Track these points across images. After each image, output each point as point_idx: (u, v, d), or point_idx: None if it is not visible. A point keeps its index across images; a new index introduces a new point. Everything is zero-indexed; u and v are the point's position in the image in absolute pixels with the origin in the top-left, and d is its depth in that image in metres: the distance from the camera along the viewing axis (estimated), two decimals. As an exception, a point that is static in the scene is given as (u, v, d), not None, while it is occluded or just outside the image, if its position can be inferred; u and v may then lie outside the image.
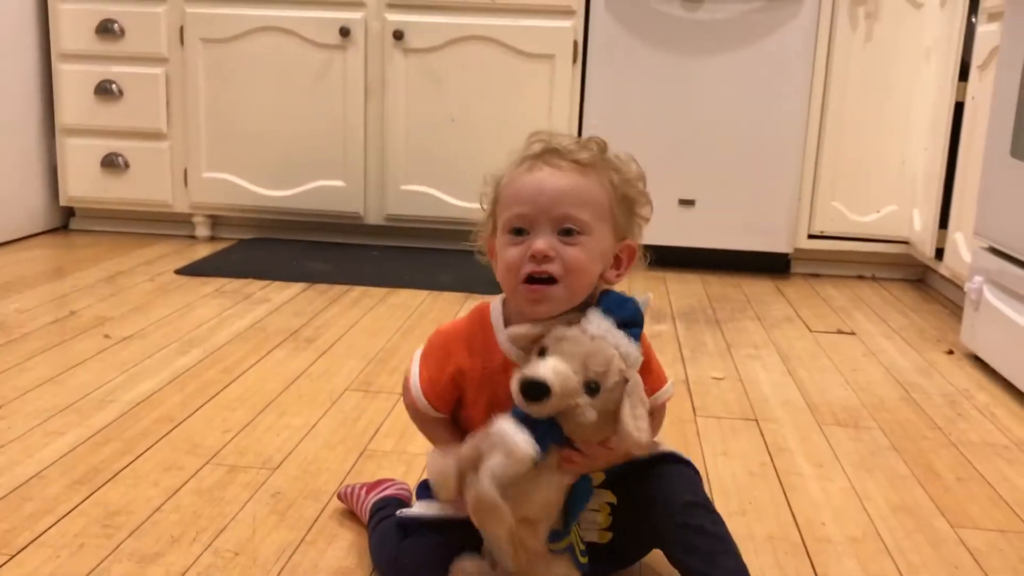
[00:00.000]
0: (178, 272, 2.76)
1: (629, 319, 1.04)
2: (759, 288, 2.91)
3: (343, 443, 1.59)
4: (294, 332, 2.22)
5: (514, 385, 0.99)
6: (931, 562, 1.28)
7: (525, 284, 1.04)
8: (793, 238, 3.04)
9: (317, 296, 2.56)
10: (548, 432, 0.99)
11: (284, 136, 3.11)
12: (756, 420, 1.79)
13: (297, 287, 2.64)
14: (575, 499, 1.06)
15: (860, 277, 3.11)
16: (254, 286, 2.63)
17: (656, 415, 1.12)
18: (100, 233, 3.27)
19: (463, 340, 1.11)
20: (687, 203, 3.03)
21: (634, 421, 0.99)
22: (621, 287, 1.11)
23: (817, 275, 3.11)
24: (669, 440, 1.64)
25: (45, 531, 1.26)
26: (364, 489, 1.31)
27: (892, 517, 1.41)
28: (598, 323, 1.02)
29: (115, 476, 1.43)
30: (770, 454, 1.63)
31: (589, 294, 1.08)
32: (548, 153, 1.06)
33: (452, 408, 1.14)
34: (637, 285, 2.82)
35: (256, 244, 3.18)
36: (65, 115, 3.14)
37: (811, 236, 3.05)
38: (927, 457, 1.64)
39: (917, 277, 3.10)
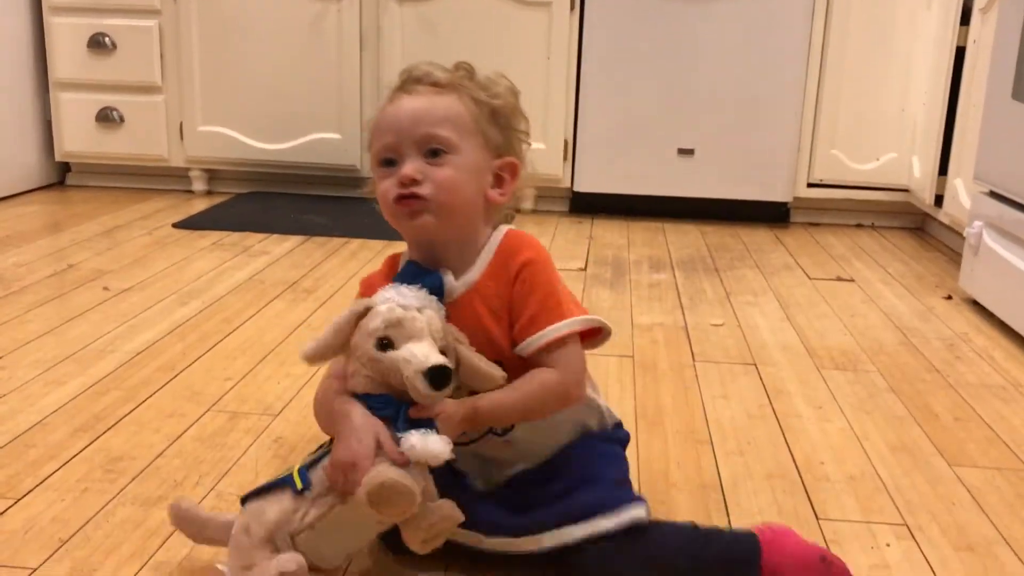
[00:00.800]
0: (175, 226, 2.75)
1: (430, 287, 1.03)
2: (758, 237, 2.90)
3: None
4: (293, 283, 2.22)
5: (416, 378, 0.96)
6: (929, 499, 1.29)
7: (396, 202, 1.03)
8: (792, 187, 3.03)
9: (315, 248, 2.55)
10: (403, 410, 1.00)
11: (279, 89, 3.09)
12: (755, 364, 1.79)
13: (295, 240, 2.63)
14: None
15: (859, 225, 3.11)
16: (252, 239, 2.62)
17: (548, 356, 1.05)
18: (96, 188, 3.25)
19: (377, 284, 1.08)
20: (686, 152, 3.01)
21: (477, 362, 1.02)
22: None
23: (816, 224, 3.11)
24: (667, 387, 1.65)
25: (48, 476, 1.27)
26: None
27: (890, 456, 1.42)
28: (415, 293, 1.01)
29: (117, 423, 1.44)
30: (769, 397, 1.63)
31: (482, 222, 1.08)
32: (407, 82, 1.07)
33: None
34: (636, 236, 2.82)
35: (253, 198, 3.17)
36: (58, 69, 3.11)
37: (810, 185, 3.04)
38: (925, 399, 1.65)
39: (916, 225, 3.09)
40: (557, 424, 1.11)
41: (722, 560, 1.04)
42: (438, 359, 0.97)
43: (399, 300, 1.00)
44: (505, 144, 1.09)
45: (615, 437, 1.18)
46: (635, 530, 1.03)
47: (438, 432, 0.97)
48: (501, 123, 1.08)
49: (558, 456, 1.12)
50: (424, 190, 1.02)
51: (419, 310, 1.00)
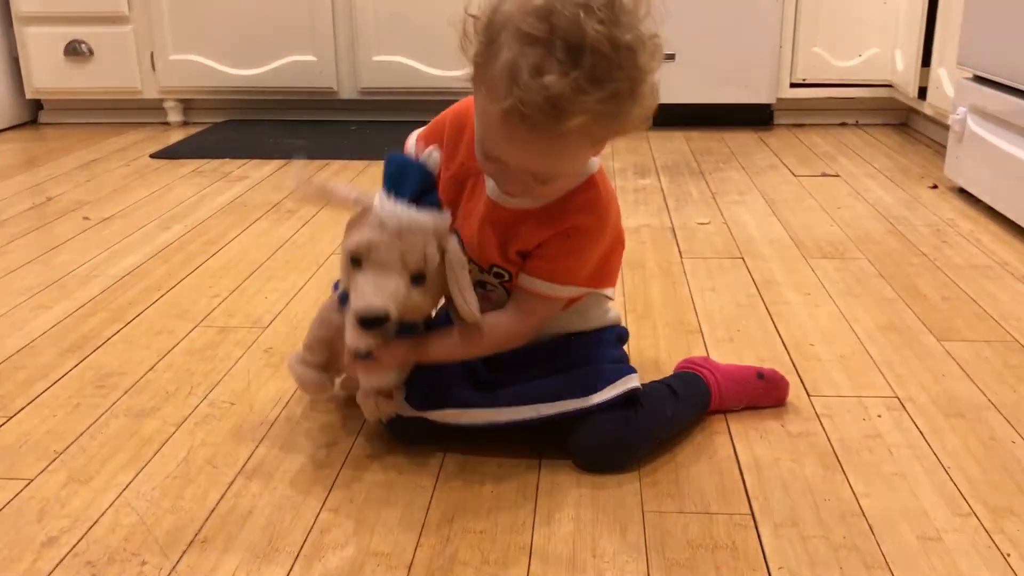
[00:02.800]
0: (153, 156, 2.71)
1: (419, 188, 1.00)
2: (743, 140, 2.88)
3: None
4: (275, 204, 2.20)
5: (349, 318, 0.99)
6: (918, 372, 1.30)
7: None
8: (775, 88, 3.00)
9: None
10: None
11: (249, 11, 3.02)
12: (742, 258, 1.79)
13: (275, 164, 2.60)
14: None
15: (843, 124, 3.08)
16: (231, 165, 2.59)
17: (528, 299, 1.05)
18: (71, 125, 3.20)
19: (429, 139, 1.09)
20: (667, 57, 2.95)
21: (461, 295, 1.01)
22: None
23: (800, 125, 3.08)
24: (656, 283, 1.65)
25: (40, 394, 1.27)
26: None
27: (880, 335, 1.42)
28: (395, 213, 0.97)
29: (106, 342, 1.43)
30: (757, 287, 1.63)
31: None
32: (522, 107, 0.86)
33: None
34: (620, 144, 2.80)
35: (231, 126, 3.12)
36: (21, 2, 3.03)
37: (793, 85, 3.01)
38: (913, 281, 1.65)
39: (900, 121, 3.07)
40: (563, 323, 1.12)
41: (689, 402, 1.15)
42: (374, 304, 0.96)
43: (382, 217, 0.98)
44: (631, 122, 0.94)
45: (617, 332, 1.19)
46: (631, 398, 1.07)
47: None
48: (621, 121, 0.92)
49: (560, 341, 1.12)
50: (526, 194, 0.99)
51: (400, 233, 0.97)
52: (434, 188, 1.02)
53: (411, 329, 1.05)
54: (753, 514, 0.99)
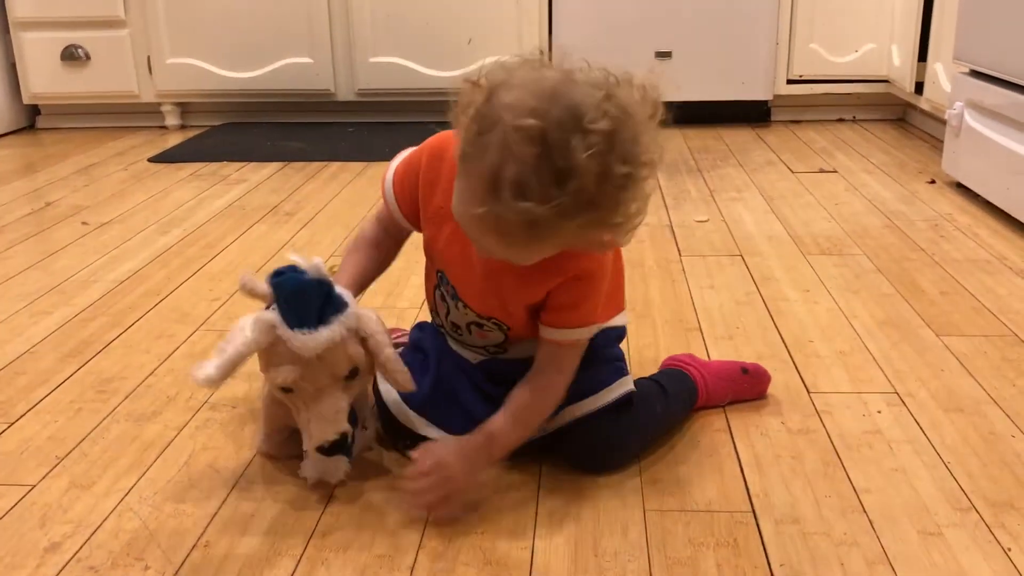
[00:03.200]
0: (151, 160, 2.71)
1: (320, 307, 0.96)
2: (740, 137, 2.88)
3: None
4: (274, 207, 2.20)
5: (313, 454, 1.00)
6: (917, 367, 1.30)
7: None
8: (772, 84, 3.00)
9: (294, 174, 2.52)
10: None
11: (245, 13, 3.02)
12: (741, 255, 1.79)
13: (273, 166, 2.60)
14: None
15: (840, 120, 3.09)
16: (229, 168, 2.59)
17: (557, 351, 1.03)
18: (68, 130, 3.20)
19: (413, 167, 1.05)
20: (663, 55, 2.97)
21: (394, 375, 1.01)
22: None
23: (797, 121, 3.09)
24: (655, 282, 1.65)
25: (41, 400, 1.27)
26: None
27: (878, 331, 1.43)
28: (306, 344, 0.95)
29: (106, 347, 1.43)
30: (756, 284, 1.64)
31: None
32: (499, 220, 0.84)
33: (410, 210, 1.07)
34: (617, 141, 2.79)
35: (228, 129, 3.12)
36: (17, 8, 3.02)
37: (790, 81, 3.01)
38: (911, 276, 1.65)
39: (897, 116, 3.07)
40: None
41: (678, 399, 1.16)
42: (335, 433, 0.98)
43: (295, 349, 0.95)
44: (614, 239, 0.91)
45: (614, 332, 1.18)
46: (626, 401, 1.08)
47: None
48: (612, 229, 0.88)
49: None
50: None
51: (319, 356, 0.96)
52: (331, 290, 0.98)
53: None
54: (754, 511, 0.99)
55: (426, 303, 1.16)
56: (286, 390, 0.99)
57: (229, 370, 0.97)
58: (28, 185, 2.47)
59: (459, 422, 1.07)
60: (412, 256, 1.16)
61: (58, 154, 2.83)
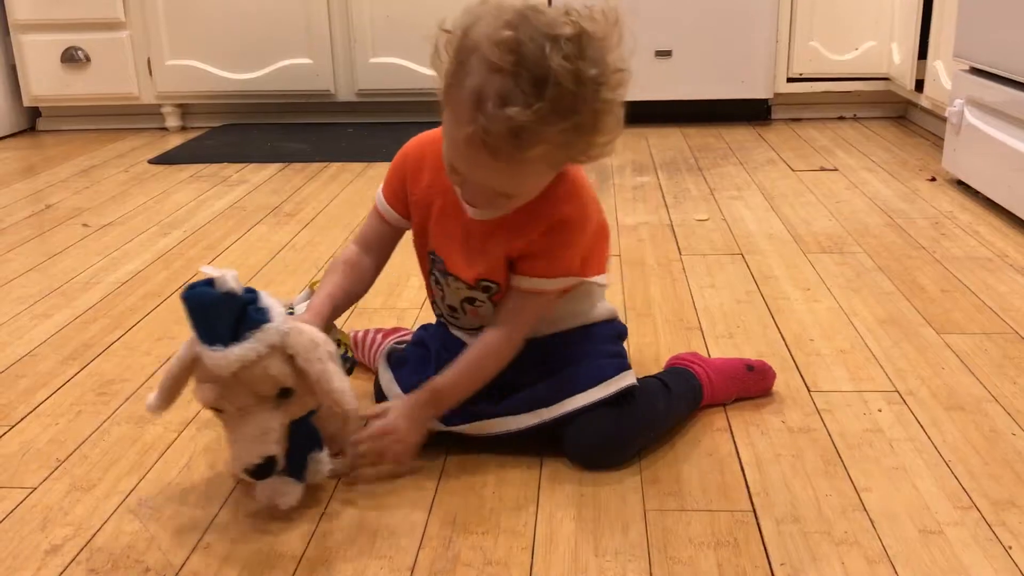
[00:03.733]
0: (152, 162, 2.71)
1: (232, 322, 0.92)
2: (740, 136, 2.88)
3: (332, 304, 1.59)
4: (274, 208, 2.20)
5: (241, 475, 0.96)
6: (918, 365, 1.30)
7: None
8: (772, 83, 3.00)
9: (294, 174, 2.52)
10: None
11: (245, 14, 3.02)
12: (741, 254, 1.79)
13: (274, 167, 2.60)
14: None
15: (841, 118, 3.08)
16: (230, 169, 2.59)
17: (520, 301, 1.05)
18: (69, 132, 3.20)
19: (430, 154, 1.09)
20: (663, 54, 2.97)
21: (329, 395, 0.95)
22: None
23: (798, 119, 3.08)
24: (655, 281, 1.65)
25: (42, 403, 1.27)
26: (381, 334, 1.32)
27: (879, 329, 1.42)
28: (219, 363, 0.91)
29: (106, 349, 1.44)
30: (756, 283, 1.64)
31: None
32: (484, 136, 0.89)
33: (403, 208, 1.12)
34: (618, 143, 2.79)
35: (229, 130, 3.12)
36: (17, 11, 3.03)
37: (790, 79, 3.00)
38: (912, 274, 1.65)
39: (898, 114, 3.07)
40: (555, 319, 1.12)
41: (681, 397, 1.15)
42: (258, 458, 0.93)
43: (211, 368, 0.92)
44: (595, 150, 0.96)
45: (616, 329, 1.18)
46: (624, 395, 1.08)
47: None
48: (583, 141, 0.93)
49: (555, 339, 1.12)
50: (494, 208, 1.01)
51: (237, 375, 0.92)
52: (249, 303, 0.93)
53: (308, 416, 1.01)
54: (755, 510, 0.99)
55: (428, 304, 1.17)
56: (214, 410, 0.96)
57: (167, 394, 0.97)
58: (29, 187, 2.47)
59: (458, 412, 1.08)
60: (412, 257, 1.16)
61: (59, 156, 2.84)
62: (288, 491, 0.99)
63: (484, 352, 1.06)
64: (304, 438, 1.01)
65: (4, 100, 3.12)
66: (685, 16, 2.93)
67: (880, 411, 1.18)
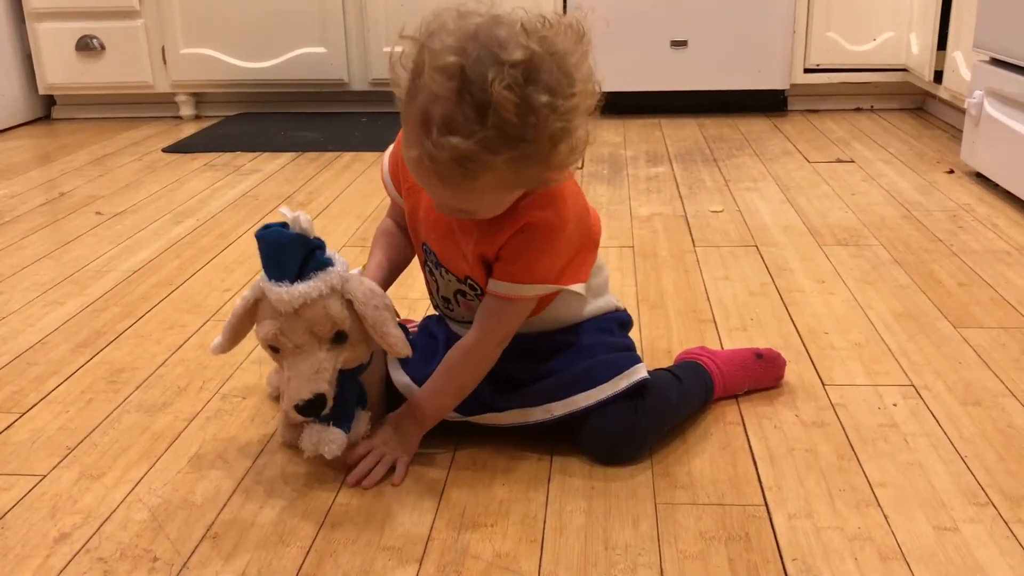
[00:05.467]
0: (165, 150, 2.71)
1: (300, 262, 0.97)
2: (756, 127, 2.86)
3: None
4: (287, 197, 2.19)
5: (289, 411, 0.98)
6: (934, 360, 1.29)
7: None
8: (789, 74, 2.97)
9: (307, 164, 2.52)
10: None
11: (259, 3, 3.01)
12: (756, 246, 1.77)
13: (287, 156, 2.60)
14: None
15: (858, 109, 3.05)
16: (243, 158, 2.59)
17: (495, 306, 1.03)
18: (84, 120, 3.21)
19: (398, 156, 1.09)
20: (679, 44, 2.95)
21: (384, 339, 0.99)
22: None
23: (815, 110, 3.06)
24: (668, 273, 1.64)
25: (53, 390, 1.27)
26: None
27: (895, 323, 1.41)
28: (282, 297, 0.95)
29: (118, 337, 1.44)
30: (771, 275, 1.62)
31: None
32: (430, 162, 0.87)
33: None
34: (633, 133, 2.78)
35: (243, 119, 3.12)
36: (32, -1, 3.04)
37: (807, 70, 2.98)
38: (929, 267, 1.63)
39: (916, 105, 3.04)
40: (548, 321, 1.11)
41: (693, 389, 1.14)
42: (304, 398, 0.96)
43: (273, 303, 0.96)
44: (551, 173, 0.93)
45: (617, 317, 1.17)
46: (639, 389, 1.06)
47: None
48: (536, 167, 0.91)
49: (562, 333, 1.11)
50: (463, 217, 0.99)
51: (297, 312, 0.96)
52: (317, 248, 0.98)
53: (357, 371, 1.05)
54: (767, 505, 0.98)
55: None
56: (272, 349, 0.99)
57: (231, 333, 1.01)
58: (43, 175, 2.47)
59: (467, 401, 1.08)
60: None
61: (73, 144, 2.84)
62: (334, 439, 1.01)
63: (461, 358, 1.05)
64: (352, 392, 1.04)
65: (20, 88, 3.13)
66: (701, 5, 2.91)
67: (895, 406, 1.17)
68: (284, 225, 0.98)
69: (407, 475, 1.04)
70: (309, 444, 1.02)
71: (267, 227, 0.98)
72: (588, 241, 1.07)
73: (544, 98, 0.85)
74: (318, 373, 0.97)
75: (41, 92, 3.16)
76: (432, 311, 1.22)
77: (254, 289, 1.00)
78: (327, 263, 0.99)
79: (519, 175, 0.90)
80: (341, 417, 1.03)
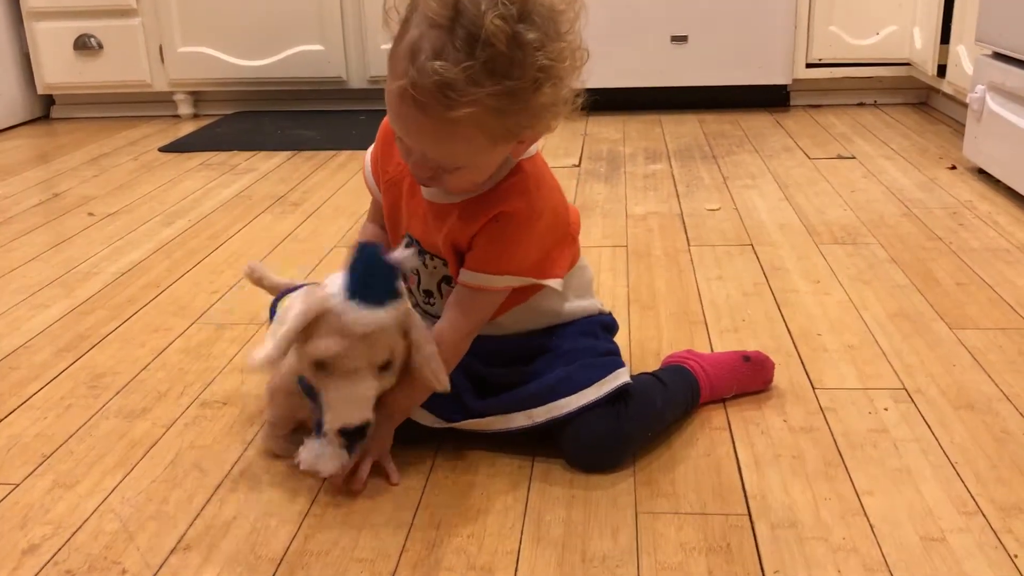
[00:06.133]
0: (162, 150, 2.70)
1: (395, 283, 0.95)
2: (757, 123, 2.83)
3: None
4: (280, 197, 2.18)
5: (331, 432, 0.97)
6: (928, 361, 1.26)
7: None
8: (791, 69, 2.93)
9: (303, 163, 2.50)
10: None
11: (256, 1, 2.99)
12: (751, 245, 1.75)
13: (283, 155, 2.58)
14: None
15: (861, 104, 3.02)
16: (239, 157, 2.58)
17: (462, 296, 1.03)
18: (82, 120, 3.20)
19: (377, 158, 1.10)
20: (679, 39, 2.92)
21: (434, 374, 0.97)
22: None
23: (817, 106, 3.02)
24: (661, 273, 1.61)
25: (32, 396, 1.26)
26: None
27: (889, 323, 1.38)
28: (360, 320, 0.92)
29: (101, 341, 1.42)
30: (765, 275, 1.59)
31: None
32: (412, 89, 0.87)
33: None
34: (632, 130, 2.76)
35: (241, 117, 3.11)
36: (30, -2, 3.03)
37: (809, 65, 2.94)
38: (926, 266, 1.60)
39: (919, 100, 3.00)
40: (535, 317, 1.10)
41: (678, 393, 1.12)
42: (353, 423, 0.95)
43: (347, 323, 0.93)
44: (524, 127, 0.92)
45: (600, 321, 1.15)
46: (622, 394, 1.04)
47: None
48: (527, 109, 0.89)
49: (543, 336, 1.09)
50: (438, 183, 0.97)
51: (365, 337, 0.93)
52: (398, 280, 0.96)
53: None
54: (750, 514, 0.95)
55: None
56: (319, 366, 0.95)
57: (286, 345, 0.95)
58: (39, 175, 2.46)
59: (448, 406, 1.06)
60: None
61: (71, 144, 2.83)
62: (338, 457, 0.98)
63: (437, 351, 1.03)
64: None
65: (18, 88, 3.12)
66: (701, 0, 2.88)
67: (886, 410, 1.14)
68: (377, 246, 0.95)
69: (377, 476, 1.02)
70: (309, 458, 0.99)
71: (366, 244, 0.95)
72: (565, 236, 1.06)
73: (533, 35, 0.86)
74: (367, 400, 0.96)
75: (40, 92, 3.16)
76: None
77: (311, 301, 0.94)
78: (402, 295, 0.97)
79: (500, 117, 0.88)
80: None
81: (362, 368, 0.95)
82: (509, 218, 0.98)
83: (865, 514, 0.95)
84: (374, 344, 0.94)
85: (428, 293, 1.10)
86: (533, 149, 1.03)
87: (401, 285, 0.97)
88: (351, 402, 0.95)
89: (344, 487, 1.01)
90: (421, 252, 1.07)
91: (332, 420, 0.96)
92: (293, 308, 0.95)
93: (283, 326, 0.94)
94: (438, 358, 0.98)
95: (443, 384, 0.98)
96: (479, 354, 1.08)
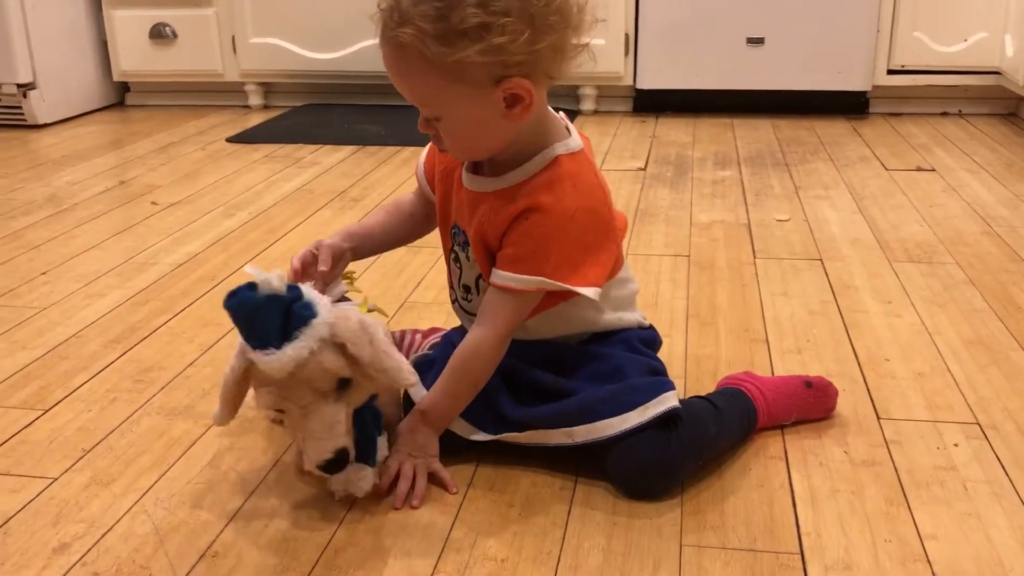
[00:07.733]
0: (229, 140, 2.72)
1: (279, 324, 0.89)
2: (833, 129, 2.73)
3: (385, 295, 1.55)
4: (341, 192, 2.16)
5: (316, 471, 0.94)
6: (1004, 395, 1.18)
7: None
8: (871, 75, 2.83)
9: (367, 158, 2.49)
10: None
11: (328, -6, 3.00)
12: (820, 260, 1.68)
13: (347, 150, 2.57)
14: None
15: (945, 114, 2.90)
16: (304, 151, 2.57)
17: (493, 297, 0.99)
18: (155, 107, 3.24)
19: (431, 159, 1.12)
20: (755, 41, 2.83)
21: (385, 374, 0.92)
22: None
23: (898, 114, 2.91)
24: (724, 286, 1.56)
25: (78, 387, 1.25)
26: (420, 335, 1.27)
27: (964, 351, 1.30)
28: (272, 366, 0.88)
29: (151, 334, 1.42)
30: (833, 292, 1.52)
31: (525, 131, 0.96)
32: (382, 31, 0.92)
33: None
34: (703, 133, 2.69)
35: (309, 110, 3.11)
36: (108, -14, 3.07)
37: (891, 71, 2.83)
38: (1007, 290, 1.51)
39: (1008, 111, 2.87)
40: (567, 324, 1.07)
41: (734, 419, 1.06)
42: (326, 459, 0.92)
43: (266, 373, 0.89)
44: (501, 66, 0.90)
45: (640, 335, 1.10)
46: (672, 418, 0.99)
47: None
48: (480, 47, 0.87)
49: (581, 345, 1.05)
50: (441, 144, 0.98)
51: (293, 374, 0.89)
52: (293, 301, 0.90)
53: (370, 400, 0.99)
54: (802, 553, 0.90)
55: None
56: (279, 412, 0.93)
57: (228, 406, 0.95)
58: (110, 161, 2.49)
59: (486, 415, 1.03)
60: (438, 253, 1.11)
61: (142, 131, 2.87)
62: (363, 476, 0.96)
63: (464, 355, 1.01)
64: (369, 421, 0.99)
65: (95, 74, 3.18)
66: (780, 1, 2.79)
67: (956, 446, 1.07)
68: (251, 285, 0.90)
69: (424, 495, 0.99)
70: (339, 486, 0.97)
71: (234, 293, 0.90)
72: (605, 242, 1.00)
73: None
74: (332, 428, 0.92)
75: (115, 79, 3.20)
76: (456, 324, 1.17)
77: (240, 356, 0.93)
78: (309, 315, 0.90)
79: (443, 48, 0.87)
80: (364, 451, 0.98)
81: (311, 401, 0.91)
82: (538, 213, 0.95)
83: (928, 560, 0.88)
84: (307, 378, 0.90)
85: (467, 288, 1.07)
86: (575, 144, 0.99)
87: (309, 304, 0.90)
88: (315, 438, 0.92)
89: (402, 506, 0.98)
90: (465, 245, 1.04)
91: (307, 461, 0.94)
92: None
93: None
94: (387, 356, 0.92)
95: (407, 379, 0.94)
96: (515, 354, 1.04)
